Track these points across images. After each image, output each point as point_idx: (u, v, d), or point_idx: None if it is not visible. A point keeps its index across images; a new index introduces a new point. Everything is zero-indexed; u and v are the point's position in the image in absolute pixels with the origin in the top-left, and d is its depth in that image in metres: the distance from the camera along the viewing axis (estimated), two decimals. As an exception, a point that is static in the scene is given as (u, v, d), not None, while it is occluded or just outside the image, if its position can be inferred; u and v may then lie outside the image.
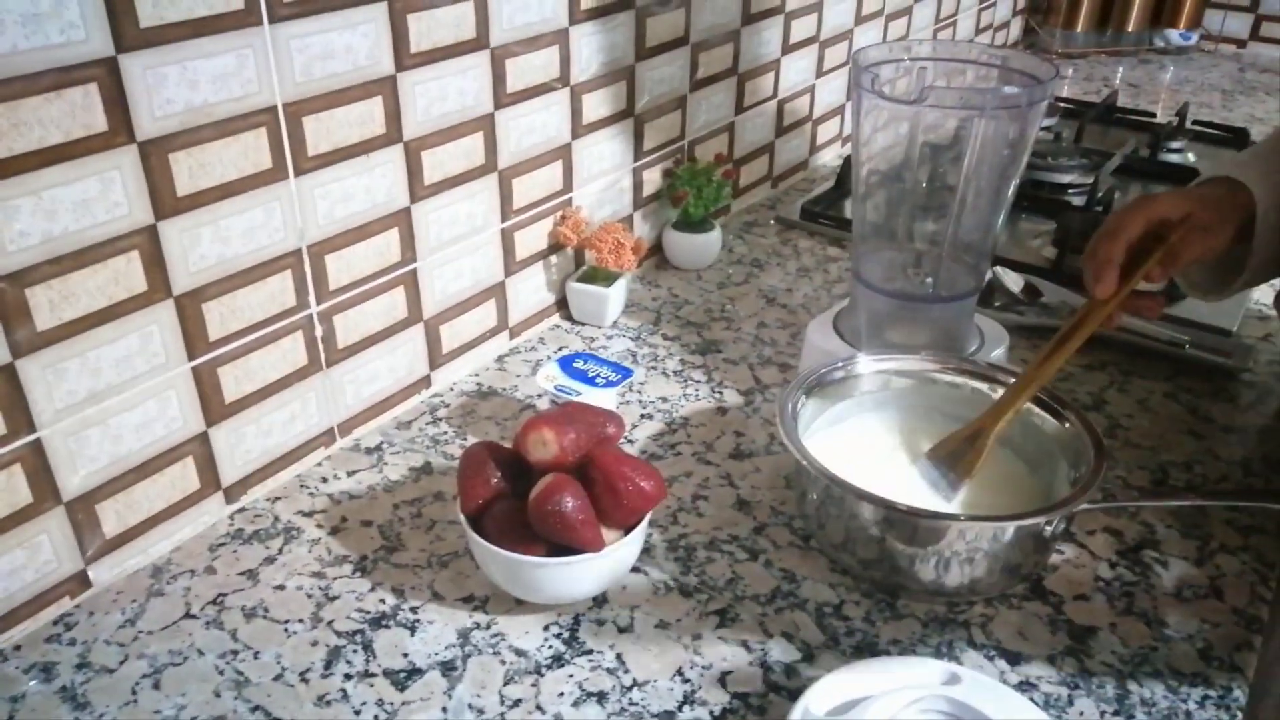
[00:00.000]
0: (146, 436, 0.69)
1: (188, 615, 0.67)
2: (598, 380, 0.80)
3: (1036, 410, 0.75)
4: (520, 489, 0.65)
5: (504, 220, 0.93)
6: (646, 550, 0.72)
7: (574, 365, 0.82)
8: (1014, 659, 0.64)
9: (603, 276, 1.01)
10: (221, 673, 0.62)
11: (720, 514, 0.76)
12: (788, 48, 1.27)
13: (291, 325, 0.76)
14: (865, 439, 0.78)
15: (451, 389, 0.92)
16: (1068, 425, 0.72)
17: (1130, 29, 2.03)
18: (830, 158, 1.47)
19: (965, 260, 0.89)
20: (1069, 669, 0.63)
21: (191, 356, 0.70)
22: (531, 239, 0.97)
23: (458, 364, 0.93)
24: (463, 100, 0.84)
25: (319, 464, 0.81)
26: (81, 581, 0.68)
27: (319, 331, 0.78)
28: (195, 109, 0.65)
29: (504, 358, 0.97)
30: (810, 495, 0.71)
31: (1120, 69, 1.97)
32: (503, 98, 0.87)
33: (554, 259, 1.01)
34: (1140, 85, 1.88)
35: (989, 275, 1.01)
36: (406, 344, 0.87)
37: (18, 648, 0.64)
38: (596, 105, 0.99)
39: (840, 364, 0.79)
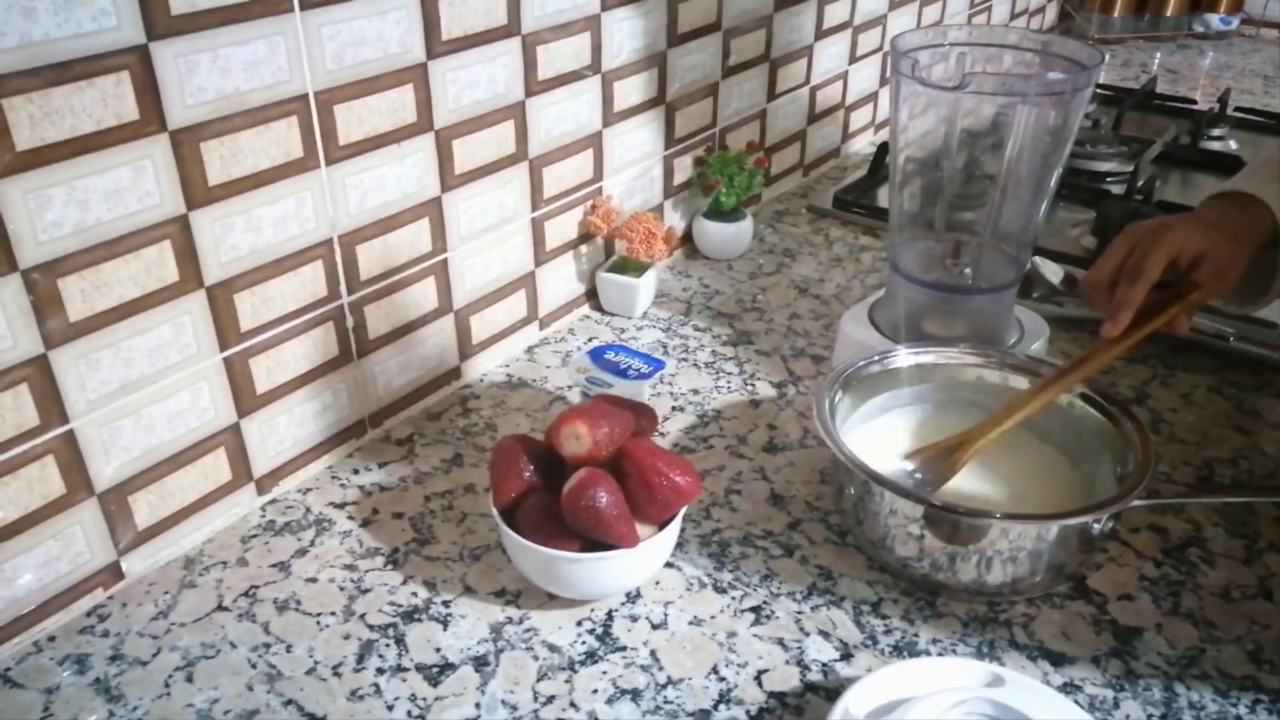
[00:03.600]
0: (179, 427, 0.69)
1: (220, 608, 0.66)
2: (629, 372, 0.79)
3: (1080, 404, 0.73)
4: (553, 482, 0.64)
5: (534, 210, 0.92)
6: (679, 545, 0.71)
7: (605, 357, 0.81)
8: (1057, 660, 0.63)
9: (633, 267, 1.00)
10: (254, 665, 0.62)
11: (754, 509, 0.75)
12: (821, 33, 1.25)
13: (323, 316, 0.75)
14: (902, 434, 0.76)
15: (481, 380, 0.91)
16: (1114, 420, 0.71)
17: (1169, 13, 1.98)
18: (863, 145, 1.45)
19: (1005, 250, 0.87)
20: (1114, 671, 0.62)
21: (223, 347, 0.70)
22: (562, 228, 0.96)
23: (487, 355, 0.92)
24: (494, 89, 0.83)
25: (350, 455, 0.81)
26: (114, 573, 0.68)
27: (350, 322, 0.78)
28: (227, 97, 0.64)
29: (534, 348, 0.96)
30: (848, 491, 0.70)
31: (1158, 54, 1.93)
32: (534, 85, 0.86)
33: (584, 248, 1.00)
34: (1179, 71, 1.84)
35: (1028, 266, 0.99)
36: (437, 335, 0.86)
37: (52, 639, 0.64)
38: (628, 93, 0.98)
39: (877, 357, 0.78)
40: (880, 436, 0.75)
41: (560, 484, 0.63)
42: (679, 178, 1.10)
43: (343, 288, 0.76)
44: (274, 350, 0.73)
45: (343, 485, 0.78)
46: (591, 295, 1.03)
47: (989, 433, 0.70)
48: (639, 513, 0.63)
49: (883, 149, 1.29)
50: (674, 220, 1.12)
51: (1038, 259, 1.04)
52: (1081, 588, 0.68)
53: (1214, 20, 2.00)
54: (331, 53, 0.69)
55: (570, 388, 0.89)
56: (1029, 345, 0.87)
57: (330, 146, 0.71)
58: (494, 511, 0.65)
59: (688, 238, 1.15)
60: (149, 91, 0.60)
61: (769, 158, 1.24)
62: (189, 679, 0.61)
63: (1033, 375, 0.76)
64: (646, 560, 0.64)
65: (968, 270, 0.86)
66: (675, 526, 0.65)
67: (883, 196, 1.26)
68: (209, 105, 0.63)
